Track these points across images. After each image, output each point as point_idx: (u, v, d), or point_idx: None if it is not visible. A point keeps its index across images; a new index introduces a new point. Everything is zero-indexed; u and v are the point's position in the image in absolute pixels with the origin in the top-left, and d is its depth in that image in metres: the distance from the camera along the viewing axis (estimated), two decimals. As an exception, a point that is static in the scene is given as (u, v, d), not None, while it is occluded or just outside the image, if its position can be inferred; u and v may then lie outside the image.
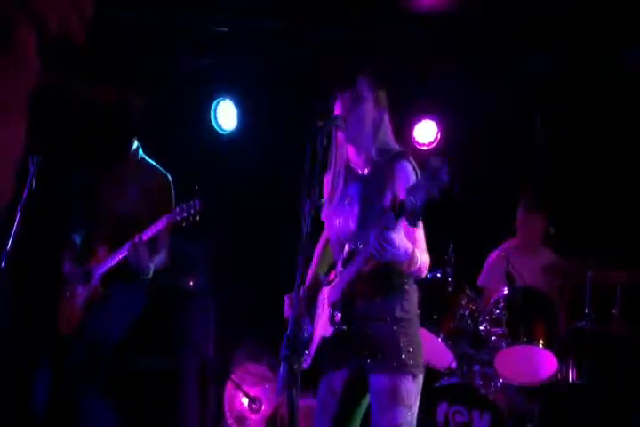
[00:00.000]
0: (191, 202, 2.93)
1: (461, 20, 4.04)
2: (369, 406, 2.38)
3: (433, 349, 3.60)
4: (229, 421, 3.75)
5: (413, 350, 2.32)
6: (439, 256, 3.68)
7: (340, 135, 2.47)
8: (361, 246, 2.33)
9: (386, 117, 2.49)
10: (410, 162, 2.43)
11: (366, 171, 2.47)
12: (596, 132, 4.41)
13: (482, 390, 3.37)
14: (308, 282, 2.55)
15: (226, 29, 4.30)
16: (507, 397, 3.44)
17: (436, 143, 4.76)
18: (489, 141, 4.62)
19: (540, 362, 3.47)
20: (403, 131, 4.73)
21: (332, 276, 2.49)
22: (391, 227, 2.14)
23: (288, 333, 2.20)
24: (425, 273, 2.36)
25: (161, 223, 3.00)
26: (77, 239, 3.33)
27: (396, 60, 4.29)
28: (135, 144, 3.28)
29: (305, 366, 2.40)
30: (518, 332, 3.49)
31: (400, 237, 2.19)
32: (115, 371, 3.14)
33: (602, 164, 4.38)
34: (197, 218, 2.95)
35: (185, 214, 2.94)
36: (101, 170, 3.28)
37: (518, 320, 3.51)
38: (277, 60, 4.45)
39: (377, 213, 2.37)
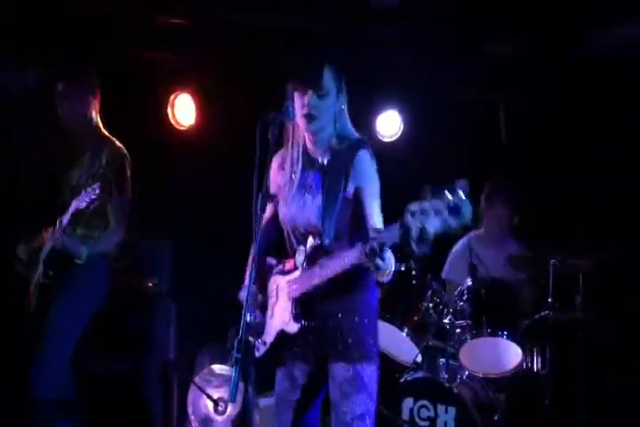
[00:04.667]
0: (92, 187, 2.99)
1: (421, 10, 3.99)
2: (327, 395, 2.40)
3: (397, 343, 3.57)
4: (194, 424, 3.69)
5: (373, 339, 2.37)
6: (403, 249, 3.64)
7: (297, 122, 2.43)
8: (328, 243, 2.31)
9: (345, 108, 2.47)
10: (369, 150, 2.43)
11: (325, 159, 2.45)
12: (561, 119, 4.39)
13: (447, 384, 3.35)
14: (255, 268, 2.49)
15: (184, 21, 4.21)
16: (472, 389, 3.43)
17: (399, 135, 4.72)
18: (453, 133, 4.58)
19: (504, 353, 3.46)
20: (365, 122, 4.70)
21: (287, 265, 2.45)
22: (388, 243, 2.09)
23: (239, 336, 2.18)
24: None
25: (72, 208, 3.03)
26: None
27: (358, 51, 4.23)
28: (95, 117, 3.27)
29: (258, 355, 2.42)
30: (482, 323, 3.48)
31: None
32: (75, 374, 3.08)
33: (565, 152, 4.37)
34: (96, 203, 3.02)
35: (87, 199, 2.98)
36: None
37: (482, 312, 3.50)
38: (238, 53, 4.37)
39: (339, 204, 2.37)
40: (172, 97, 4.44)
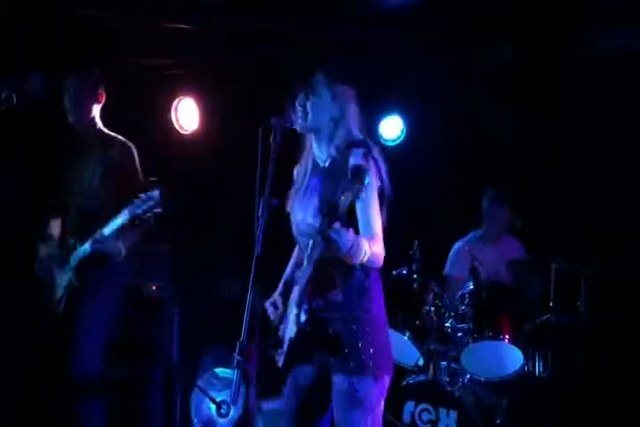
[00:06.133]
0: (150, 192, 2.88)
1: (423, 16, 4.01)
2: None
3: (399, 347, 3.58)
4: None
5: (374, 350, 2.23)
6: (404, 253, 3.66)
7: (299, 129, 2.43)
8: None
9: (349, 112, 2.41)
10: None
11: (327, 165, 2.45)
12: (565, 122, 4.40)
13: (448, 388, 3.36)
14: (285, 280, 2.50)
15: (186, 27, 4.24)
16: (474, 392, 3.43)
17: (401, 138, 4.74)
18: (455, 136, 4.60)
19: (506, 357, 3.47)
20: (368, 126, 4.71)
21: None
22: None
23: (241, 339, 2.19)
24: (380, 264, 2.24)
25: (122, 217, 2.94)
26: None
27: (362, 56, 4.26)
28: (95, 114, 3.26)
29: (279, 365, 2.34)
30: (483, 327, 3.49)
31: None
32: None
33: (569, 155, 4.38)
34: (159, 209, 2.91)
35: (145, 207, 2.88)
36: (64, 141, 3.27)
37: (483, 315, 3.51)
38: (239, 58, 4.40)
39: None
40: (175, 102, 4.47)
